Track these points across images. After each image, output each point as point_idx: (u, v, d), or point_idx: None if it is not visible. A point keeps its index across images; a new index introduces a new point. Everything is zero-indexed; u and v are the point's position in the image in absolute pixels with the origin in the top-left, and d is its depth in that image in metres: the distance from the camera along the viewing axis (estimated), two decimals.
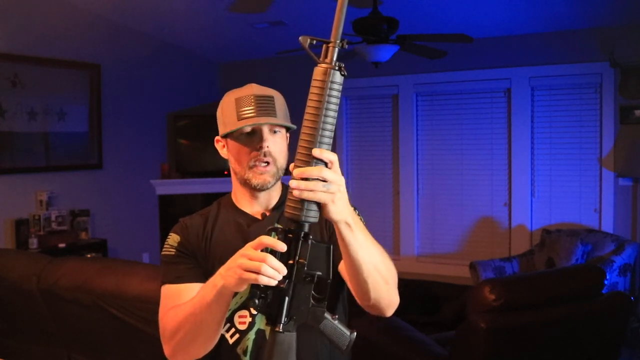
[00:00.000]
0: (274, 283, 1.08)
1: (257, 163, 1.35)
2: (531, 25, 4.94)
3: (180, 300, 1.32)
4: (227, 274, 1.15)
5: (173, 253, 1.40)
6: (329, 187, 1.04)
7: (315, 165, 1.05)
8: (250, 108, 1.33)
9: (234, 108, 1.35)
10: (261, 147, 1.33)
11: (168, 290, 1.37)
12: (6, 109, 4.47)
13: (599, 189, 4.98)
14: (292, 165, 1.08)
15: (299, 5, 4.67)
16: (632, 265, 4.27)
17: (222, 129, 1.38)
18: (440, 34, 4.10)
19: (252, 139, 1.35)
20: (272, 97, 1.36)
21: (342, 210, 1.08)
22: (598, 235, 4.55)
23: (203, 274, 1.37)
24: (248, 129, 1.34)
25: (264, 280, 1.07)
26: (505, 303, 2.41)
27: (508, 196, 5.38)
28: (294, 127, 1.40)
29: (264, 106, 1.33)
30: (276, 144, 1.36)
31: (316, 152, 1.04)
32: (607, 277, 3.45)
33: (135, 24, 5.36)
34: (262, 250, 1.09)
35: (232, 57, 6.36)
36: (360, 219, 1.40)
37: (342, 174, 1.09)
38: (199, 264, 1.39)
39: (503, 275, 4.55)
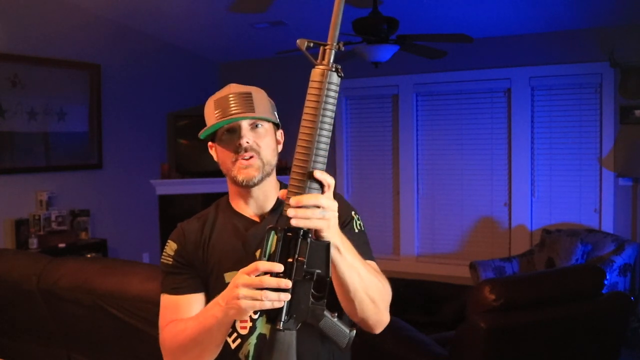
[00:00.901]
0: (279, 305, 1.09)
1: (238, 159, 1.33)
2: (531, 25, 4.94)
3: (178, 312, 1.34)
4: (229, 307, 1.14)
5: (170, 262, 1.40)
6: (324, 214, 1.07)
7: (313, 169, 1.07)
8: (227, 107, 1.32)
9: (213, 110, 1.34)
10: (240, 145, 1.31)
11: (166, 301, 1.39)
12: (6, 109, 4.47)
13: (599, 189, 4.98)
14: (283, 192, 1.09)
15: (299, 5, 4.67)
16: (632, 265, 4.27)
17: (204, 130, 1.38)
18: (440, 34, 4.10)
19: (232, 138, 1.33)
20: (250, 93, 1.34)
21: (334, 235, 1.11)
22: (598, 235, 4.55)
23: (201, 283, 1.38)
24: (227, 127, 1.33)
25: (267, 305, 1.08)
26: (505, 303, 2.41)
27: (508, 196, 5.38)
28: (277, 121, 1.39)
29: (241, 103, 1.32)
30: (259, 138, 1.34)
31: (317, 174, 1.07)
32: (607, 277, 3.45)
33: (135, 24, 5.37)
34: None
35: (232, 57, 6.36)
36: (361, 225, 1.41)
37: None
38: (196, 272, 1.38)
39: (503, 275, 4.55)
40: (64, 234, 4.75)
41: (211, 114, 1.34)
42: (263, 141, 1.34)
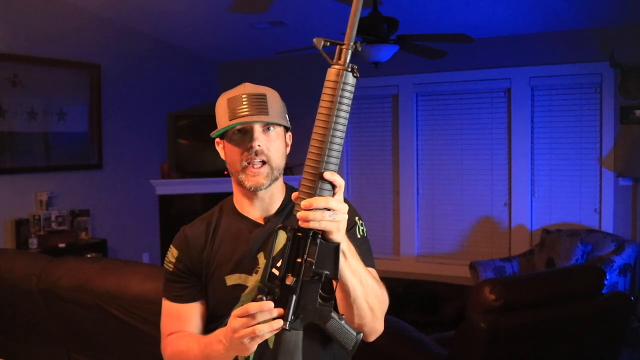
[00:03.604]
0: (276, 330, 1.11)
1: (248, 164, 1.32)
2: (531, 25, 4.94)
3: (180, 321, 1.37)
4: (233, 348, 1.18)
5: (171, 269, 1.41)
6: (334, 217, 1.08)
7: (324, 171, 1.08)
8: (241, 107, 1.31)
9: (226, 108, 1.33)
10: (251, 147, 1.30)
11: (168, 307, 1.41)
12: (6, 109, 4.47)
13: (599, 189, 4.98)
14: (295, 194, 1.10)
15: (299, 5, 4.67)
16: (632, 265, 4.27)
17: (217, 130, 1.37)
18: (440, 34, 4.10)
19: (243, 139, 1.32)
20: (265, 95, 1.33)
21: (342, 238, 1.12)
22: (598, 235, 4.55)
23: (201, 291, 1.39)
24: (239, 127, 1.32)
25: (266, 336, 1.12)
26: (505, 303, 2.41)
27: (508, 196, 5.38)
28: (289, 125, 1.39)
29: (255, 105, 1.31)
30: (270, 142, 1.33)
31: (327, 175, 1.07)
32: (607, 277, 3.45)
33: (135, 24, 5.36)
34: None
35: (232, 57, 6.36)
36: (364, 231, 1.41)
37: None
38: (197, 279, 1.40)
39: (503, 275, 4.55)
40: (64, 234, 4.75)
41: (223, 112, 1.34)
42: (273, 145, 1.34)
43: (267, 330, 1.09)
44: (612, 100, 4.85)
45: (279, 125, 1.35)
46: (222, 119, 1.34)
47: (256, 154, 1.31)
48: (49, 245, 4.57)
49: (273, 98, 1.35)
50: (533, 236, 5.22)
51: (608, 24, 4.76)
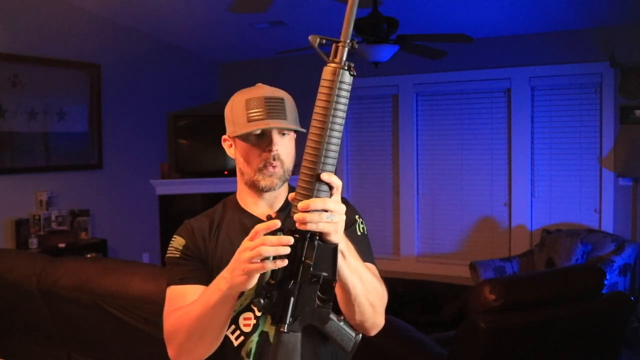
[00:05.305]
0: (282, 264, 1.07)
1: (266, 165, 1.34)
2: (531, 25, 4.94)
3: (184, 302, 1.31)
4: (234, 274, 1.13)
5: (178, 255, 1.39)
6: (332, 218, 1.07)
7: (322, 171, 1.07)
8: (260, 110, 1.32)
9: (244, 109, 1.34)
10: (270, 150, 1.33)
11: (172, 292, 1.37)
12: (6, 109, 4.47)
13: (599, 189, 4.98)
14: (292, 195, 1.08)
15: (299, 5, 4.68)
16: (632, 265, 4.27)
17: (231, 129, 1.37)
18: (440, 34, 4.11)
19: (261, 141, 1.34)
20: (283, 99, 1.35)
21: (340, 239, 1.11)
22: (598, 235, 4.55)
23: (207, 276, 1.36)
24: (258, 131, 1.33)
25: (269, 265, 1.07)
26: (505, 303, 2.41)
27: (508, 196, 5.38)
28: (304, 130, 1.39)
29: (275, 108, 1.33)
30: (285, 146, 1.35)
31: (325, 176, 1.06)
32: (607, 277, 3.45)
33: (135, 24, 5.37)
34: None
35: (232, 57, 6.36)
36: (364, 228, 1.42)
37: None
38: (203, 266, 1.38)
39: (503, 275, 4.56)
40: (64, 234, 4.75)
41: (241, 112, 1.34)
42: (287, 149, 1.36)
43: (272, 252, 1.06)
44: (612, 100, 4.85)
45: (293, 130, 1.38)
46: (240, 119, 1.34)
47: (274, 158, 1.33)
48: (49, 245, 4.57)
49: (289, 102, 1.37)
50: (533, 236, 5.22)
51: (608, 24, 4.76)
